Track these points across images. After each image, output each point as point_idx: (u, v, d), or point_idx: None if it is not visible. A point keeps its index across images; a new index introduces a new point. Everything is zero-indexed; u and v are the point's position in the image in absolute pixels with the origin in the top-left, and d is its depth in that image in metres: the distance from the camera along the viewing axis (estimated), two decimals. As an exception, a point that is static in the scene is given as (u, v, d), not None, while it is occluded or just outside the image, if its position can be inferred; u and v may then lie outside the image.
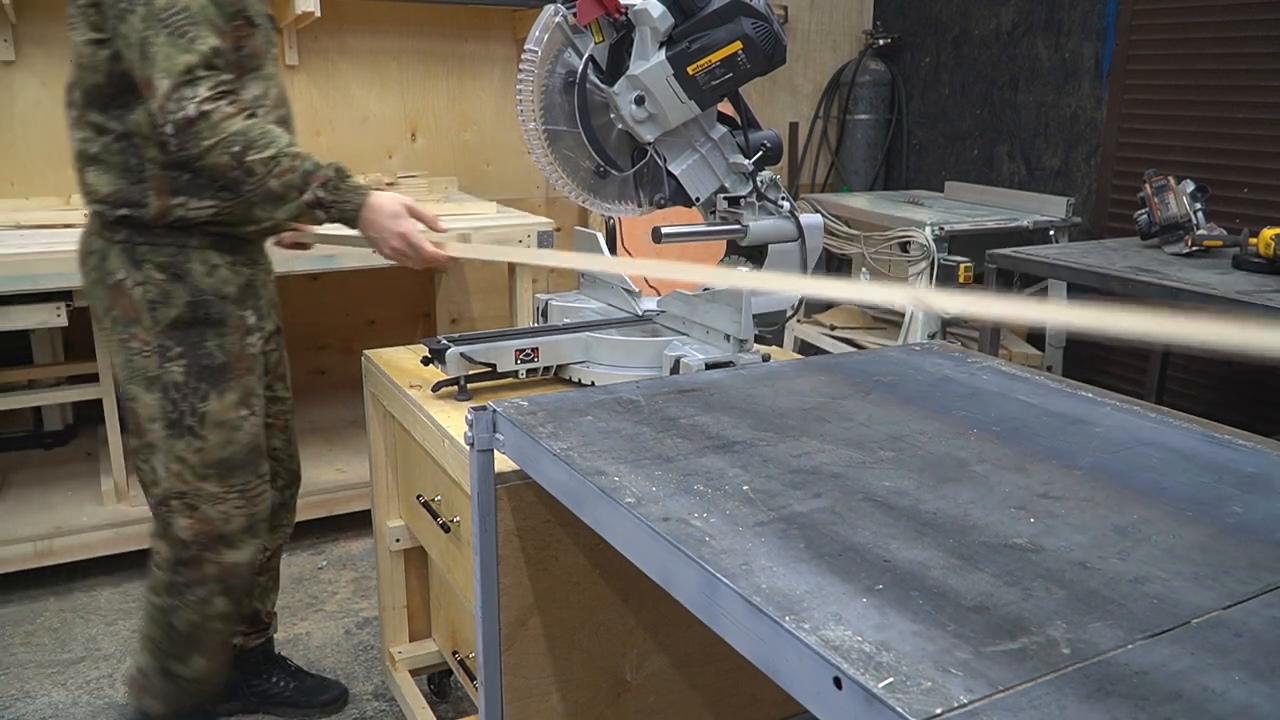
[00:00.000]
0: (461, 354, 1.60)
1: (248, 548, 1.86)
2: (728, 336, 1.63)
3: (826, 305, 4.50)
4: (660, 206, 1.70)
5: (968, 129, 4.36)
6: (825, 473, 1.05)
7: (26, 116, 3.13)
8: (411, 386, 1.71)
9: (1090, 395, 1.35)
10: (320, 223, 1.74)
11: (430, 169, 3.71)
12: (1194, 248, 2.79)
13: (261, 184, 1.60)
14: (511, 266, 3.13)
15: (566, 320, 1.81)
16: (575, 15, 1.57)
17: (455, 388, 1.64)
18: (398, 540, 2.04)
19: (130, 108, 1.67)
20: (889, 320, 4.04)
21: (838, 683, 0.68)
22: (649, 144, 1.64)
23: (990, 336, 2.97)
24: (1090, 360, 3.86)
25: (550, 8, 1.59)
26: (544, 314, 1.90)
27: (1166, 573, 0.84)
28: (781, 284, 1.58)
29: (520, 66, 1.61)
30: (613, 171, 1.66)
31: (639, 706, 1.51)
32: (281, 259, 2.14)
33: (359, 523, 3.05)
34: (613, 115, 1.64)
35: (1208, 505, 0.98)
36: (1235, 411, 3.34)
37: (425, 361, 1.71)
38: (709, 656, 1.53)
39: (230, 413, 1.79)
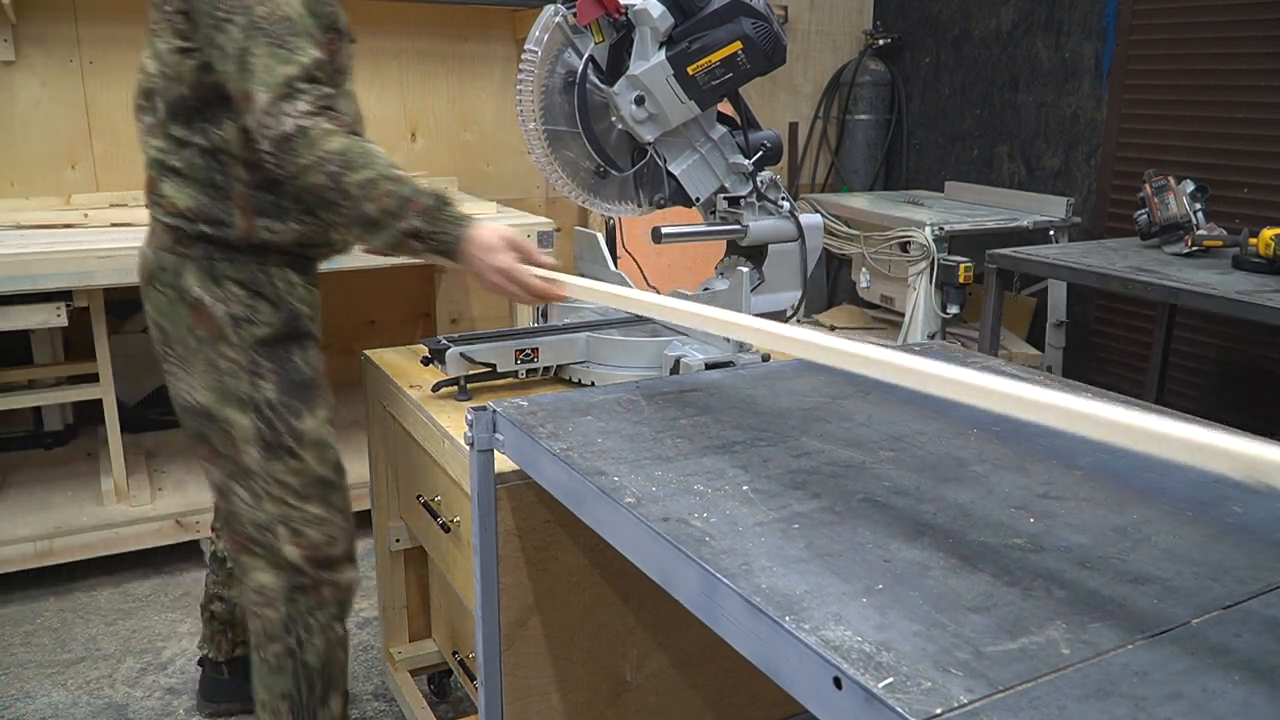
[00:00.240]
0: (461, 354, 1.60)
1: (352, 569, 1.76)
2: (728, 337, 1.63)
3: (826, 305, 4.50)
4: (660, 206, 1.71)
5: (968, 129, 4.36)
6: (825, 473, 1.05)
7: (26, 116, 3.13)
8: (411, 387, 1.71)
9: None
10: (416, 254, 1.54)
11: (430, 169, 3.71)
12: (1194, 248, 2.79)
13: (357, 208, 1.47)
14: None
15: (566, 320, 1.81)
16: (575, 15, 1.57)
17: (455, 388, 1.64)
18: (398, 540, 2.04)
19: (217, 122, 1.57)
20: (889, 320, 4.04)
21: (838, 683, 0.68)
22: (649, 144, 1.64)
23: (990, 336, 2.97)
24: (1090, 360, 3.86)
25: (550, 8, 1.59)
26: (544, 314, 1.90)
27: (1166, 573, 0.84)
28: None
29: (520, 66, 1.61)
30: (613, 172, 1.66)
31: (639, 706, 1.51)
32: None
33: (359, 523, 3.02)
34: (613, 115, 1.63)
35: (1208, 505, 0.98)
36: (1235, 411, 3.34)
37: (425, 362, 1.71)
38: (709, 656, 1.53)
39: (322, 429, 1.69)
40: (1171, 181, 2.88)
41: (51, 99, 3.15)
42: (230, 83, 1.49)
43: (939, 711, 0.63)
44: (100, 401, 2.78)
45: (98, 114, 3.22)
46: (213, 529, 2.16)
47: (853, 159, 4.69)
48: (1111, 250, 2.92)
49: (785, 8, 4.47)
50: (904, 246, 3.55)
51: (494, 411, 1.23)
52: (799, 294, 1.75)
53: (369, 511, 2.12)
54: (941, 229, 3.44)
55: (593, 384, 1.64)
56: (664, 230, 1.64)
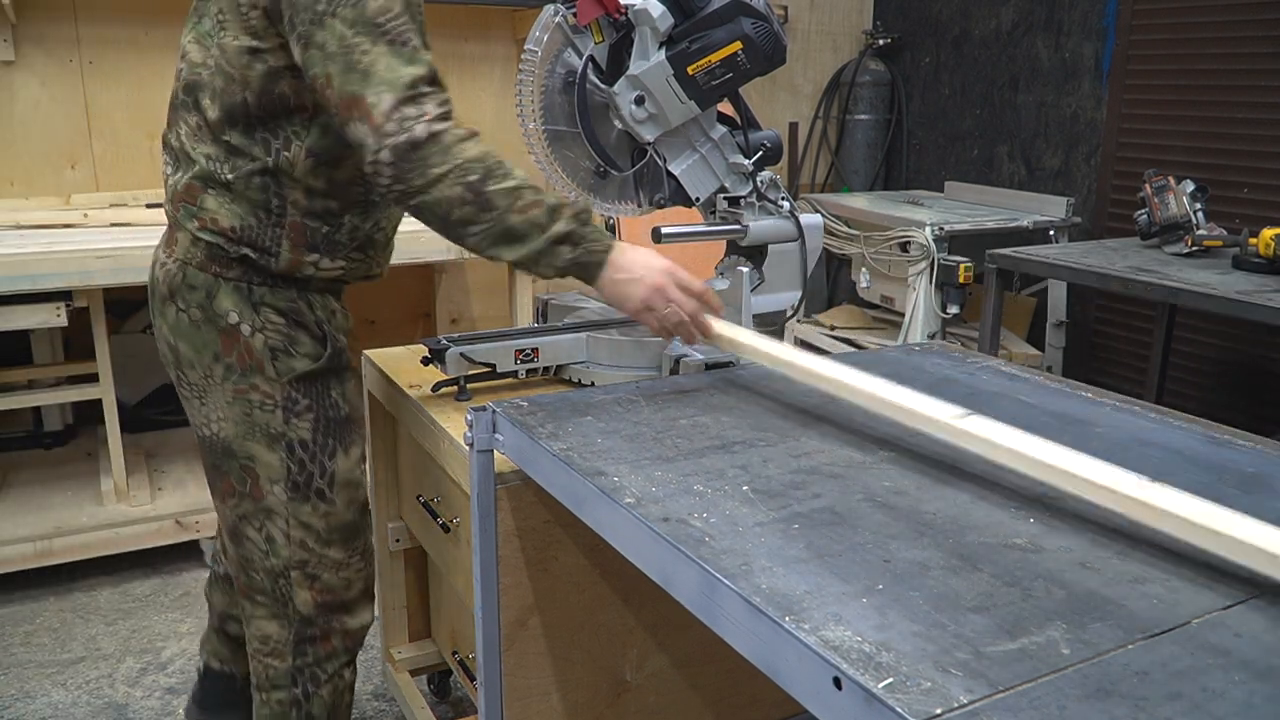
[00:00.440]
0: (461, 354, 1.60)
1: (368, 611, 1.67)
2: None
3: (826, 305, 4.51)
4: (660, 206, 1.70)
5: (968, 129, 4.36)
6: (825, 473, 1.05)
7: (26, 116, 3.13)
8: (411, 387, 1.71)
9: (1090, 395, 1.35)
10: (551, 270, 1.39)
11: (430, 169, 3.70)
12: (1194, 248, 2.79)
13: (501, 220, 1.34)
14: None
15: (566, 320, 1.81)
16: (575, 15, 1.57)
17: (455, 388, 1.64)
18: (398, 540, 2.03)
19: (281, 137, 1.42)
20: (889, 320, 4.04)
21: (838, 683, 0.68)
22: (649, 144, 1.64)
23: (990, 336, 2.97)
24: (1090, 360, 3.86)
25: (550, 8, 1.59)
26: (544, 314, 1.90)
27: (1166, 573, 0.84)
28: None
29: (520, 67, 1.61)
30: (613, 171, 1.66)
31: (639, 707, 1.51)
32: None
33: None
34: (613, 115, 1.63)
35: (1208, 505, 0.98)
36: (1235, 411, 3.34)
37: (425, 362, 1.70)
38: (709, 657, 1.53)
39: (355, 470, 1.59)
40: (1171, 181, 2.88)
41: (51, 99, 3.15)
42: (329, 88, 1.32)
43: (939, 711, 0.63)
44: (100, 401, 2.78)
45: (98, 114, 3.22)
46: (222, 548, 1.97)
47: (853, 159, 4.69)
48: (1111, 250, 2.92)
49: (785, 8, 4.47)
50: (904, 246, 3.55)
51: (494, 411, 1.23)
52: (799, 294, 1.75)
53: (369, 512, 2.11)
54: (941, 229, 3.44)
55: (593, 384, 1.64)
56: (664, 230, 1.64)
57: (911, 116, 4.64)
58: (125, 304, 3.25)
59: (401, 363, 1.86)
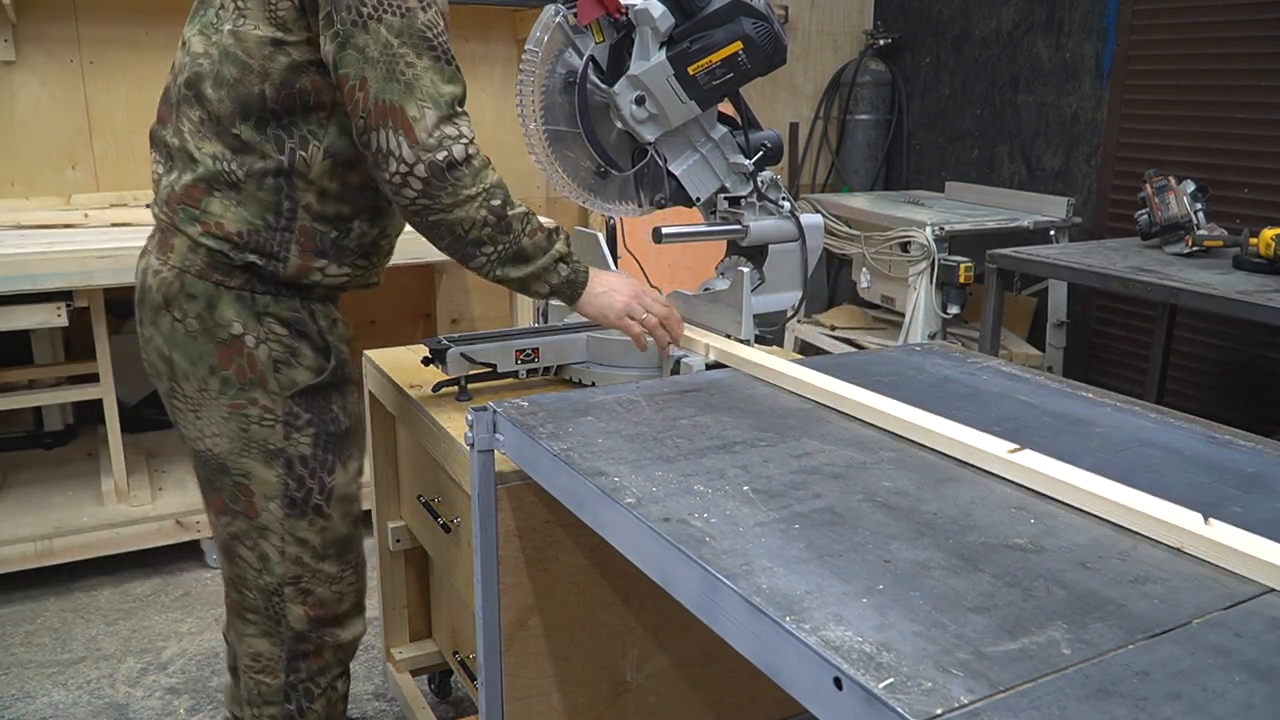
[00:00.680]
0: (462, 354, 1.60)
1: (359, 623, 1.65)
2: (728, 336, 1.63)
3: (827, 305, 4.50)
4: (661, 207, 1.70)
5: (968, 129, 4.36)
6: (826, 473, 1.05)
7: (26, 116, 3.13)
8: (412, 387, 1.71)
9: (1090, 395, 1.35)
10: (540, 292, 1.49)
11: (430, 169, 3.70)
12: (1194, 248, 2.79)
13: (515, 243, 1.41)
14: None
15: (567, 320, 1.81)
16: (576, 15, 1.57)
17: (456, 388, 1.64)
18: (398, 540, 2.03)
19: (297, 136, 1.38)
20: (889, 320, 4.04)
21: (838, 683, 0.68)
22: (649, 144, 1.64)
23: (991, 337, 2.97)
24: (1090, 360, 3.86)
25: (551, 8, 1.59)
26: (544, 314, 1.90)
27: (1166, 573, 0.84)
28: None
29: (520, 67, 1.61)
30: (613, 172, 1.66)
31: (639, 707, 1.51)
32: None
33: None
34: (613, 115, 1.63)
35: (1208, 505, 0.98)
36: (1235, 411, 3.34)
37: (425, 362, 1.70)
38: (709, 657, 1.53)
39: (352, 484, 1.57)
40: (1172, 181, 2.88)
41: (51, 99, 3.15)
42: (362, 90, 1.30)
43: (939, 712, 0.63)
44: (100, 401, 2.78)
45: (98, 114, 3.22)
46: None
47: (853, 159, 4.69)
48: (1112, 250, 2.92)
49: (786, 8, 4.47)
50: (904, 247, 3.55)
51: (494, 412, 1.23)
52: (799, 294, 1.75)
53: (369, 511, 2.11)
54: (942, 229, 3.45)
55: (593, 384, 1.64)
56: (664, 230, 1.64)
57: (912, 116, 4.64)
58: (125, 304, 3.24)
59: (402, 363, 1.86)
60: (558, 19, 1.58)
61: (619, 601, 1.45)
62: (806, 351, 3.66)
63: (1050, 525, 0.93)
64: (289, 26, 1.35)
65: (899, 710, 0.63)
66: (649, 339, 1.57)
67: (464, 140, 1.34)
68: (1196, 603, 0.79)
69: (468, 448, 1.26)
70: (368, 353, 1.94)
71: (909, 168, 4.68)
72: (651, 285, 1.89)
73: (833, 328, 4.09)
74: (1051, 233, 3.59)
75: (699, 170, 1.69)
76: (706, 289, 1.74)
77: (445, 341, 1.61)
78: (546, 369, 1.69)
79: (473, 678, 1.76)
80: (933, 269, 3.42)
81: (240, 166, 1.39)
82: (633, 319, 1.54)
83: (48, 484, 2.99)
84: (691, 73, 1.57)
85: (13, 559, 2.67)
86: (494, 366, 1.63)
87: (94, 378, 2.79)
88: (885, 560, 0.85)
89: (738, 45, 1.55)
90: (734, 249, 1.76)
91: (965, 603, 0.78)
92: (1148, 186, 2.91)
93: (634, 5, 1.55)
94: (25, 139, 3.14)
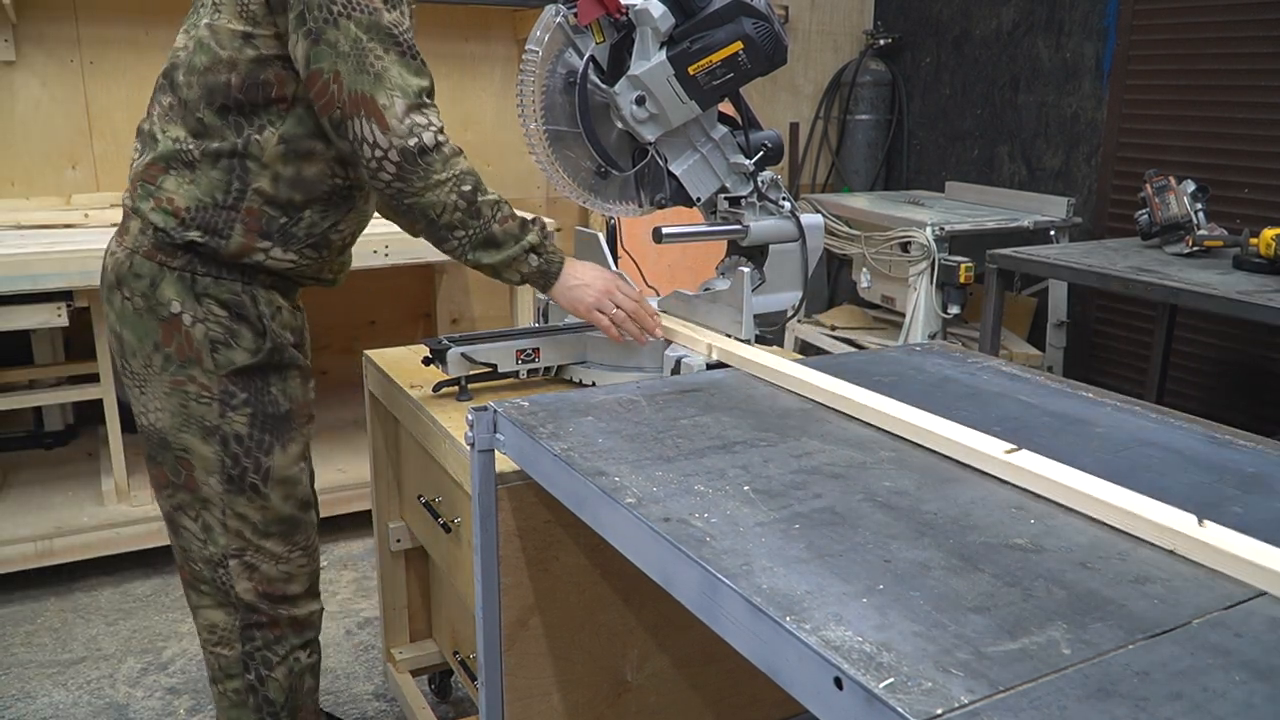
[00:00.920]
0: (462, 354, 1.60)
1: (314, 602, 1.69)
2: (729, 336, 1.63)
3: (827, 305, 4.50)
4: (661, 206, 1.70)
5: (968, 129, 4.36)
6: (826, 473, 1.05)
7: (26, 116, 3.13)
8: (412, 387, 1.71)
9: (1090, 395, 1.35)
10: (519, 276, 1.55)
11: (431, 169, 3.70)
12: (1194, 248, 2.79)
13: (485, 229, 1.48)
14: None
15: (567, 320, 1.81)
16: (576, 15, 1.57)
17: (456, 388, 1.64)
18: (398, 540, 2.04)
19: (255, 122, 1.46)
20: (889, 320, 4.04)
21: (838, 683, 0.68)
22: (650, 144, 1.64)
23: (991, 336, 2.97)
24: (1090, 360, 3.86)
25: (551, 8, 1.59)
26: (544, 314, 1.90)
27: (1166, 573, 0.85)
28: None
29: (521, 67, 1.61)
30: (613, 171, 1.66)
31: (639, 706, 1.51)
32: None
33: (359, 523, 3.04)
34: (614, 115, 1.64)
35: (1208, 505, 0.98)
36: (1235, 411, 3.34)
37: (426, 362, 1.71)
38: (709, 657, 1.53)
39: (292, 467, 1.60)
40: (1172, 181, 2.88)
41: (51, 99, 3.15)
42: (335, 83, 1.39)
43: (940, 712, 0.63)
44: (100, 401, 2.78)
45: (98, 114, 3.22)
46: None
47: (853, 159, 4.69)
48: (1112, 250, 2.92)
49: (786, 8, 4.47)
50: (905, 246, 3.55)
51: (495, 412, 1.23)
52: (800, 294, 1.75)
53: (370, 511, 2.12)
54: (942, 229, 3.45)
55: (593, 384, 1.64)
56: (665, 230, 1.64)
57: (912, 116, 4.64)
58: (126, 304, 3.25)
59: (402, 363, 1.86)
60: (558, 19, 1.58)
61: (619, 601, 1.45)
62: (807, 351, 3.66)
63: (1050, 525, 0.93)
64: (258, 21, 1.44)
65: (899, 710, 0.63)
66: (628, 334, 1.61)
67: (434, 128, 1.43)
68: (1196, 603, 0.79)
69: (468, 448, 1.26)
70: (368, 353, 1.94)
71: (909, 168, 4.68)
72: (649, 285, 1.90)
73: (833, 328, 4.09)
74: (1051, 233, 3.59)
75: (699, 170, 1.69)
76: (707, 289, 1.74)
77: (445, 341, 1.61)
78: (547, 369, 1.69)
79: (473, 678, 1.76)
80: (933, 269, 3.42)
81: (197, 147, 1.47)
82: (602, 312, 1.58)
83: (48, 484, 2.99)
84: (692, 73, 1.57)
85: (13, 559, 2.67)
86: (494, 366, 1.63)
87: (94, 378, 2.79)
88: (885, 560, 0.85)
89: (738, 45, 1.55)
90: (734, 249, 1.76)
91: (965, 603, 0.78)
92: (1148, 186, 2.91)
93: (634, 5, 1.55)
94: (25, 139, 3.14)
